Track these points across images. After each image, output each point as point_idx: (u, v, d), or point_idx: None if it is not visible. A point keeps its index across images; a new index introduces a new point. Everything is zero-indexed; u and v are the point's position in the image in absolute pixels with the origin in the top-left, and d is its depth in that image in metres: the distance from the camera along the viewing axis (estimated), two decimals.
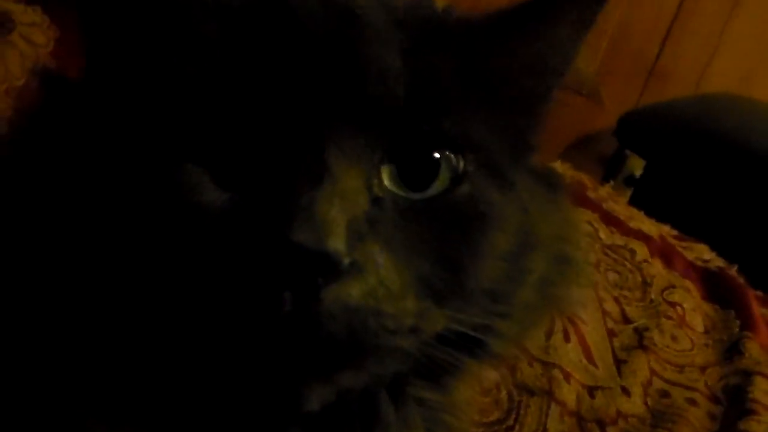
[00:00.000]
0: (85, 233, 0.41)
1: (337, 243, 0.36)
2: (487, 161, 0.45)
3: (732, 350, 1.00)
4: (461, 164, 0.43)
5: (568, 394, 0.87)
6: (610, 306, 1.02)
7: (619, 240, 1.13)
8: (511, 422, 0.81)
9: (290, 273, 0.36)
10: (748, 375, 0.94)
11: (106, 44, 0.45)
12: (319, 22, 0.42)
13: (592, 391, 0.88)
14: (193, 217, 0.39)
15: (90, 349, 0.42)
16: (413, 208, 0.42)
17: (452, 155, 0.43)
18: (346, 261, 0.36)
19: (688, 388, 0.93)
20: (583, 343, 0.93)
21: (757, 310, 1.08)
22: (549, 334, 0.88)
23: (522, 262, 0.47)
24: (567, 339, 0.92)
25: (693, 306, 1.07)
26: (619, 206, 1.24)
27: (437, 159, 0.43)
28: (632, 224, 1.19)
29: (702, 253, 1.21)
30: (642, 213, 1.29)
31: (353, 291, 0.37)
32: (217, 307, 0.37)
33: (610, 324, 0.99)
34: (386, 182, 0.42)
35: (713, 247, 1.25)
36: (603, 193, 1.24)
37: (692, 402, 0.90)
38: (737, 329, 1.03)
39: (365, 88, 0.41)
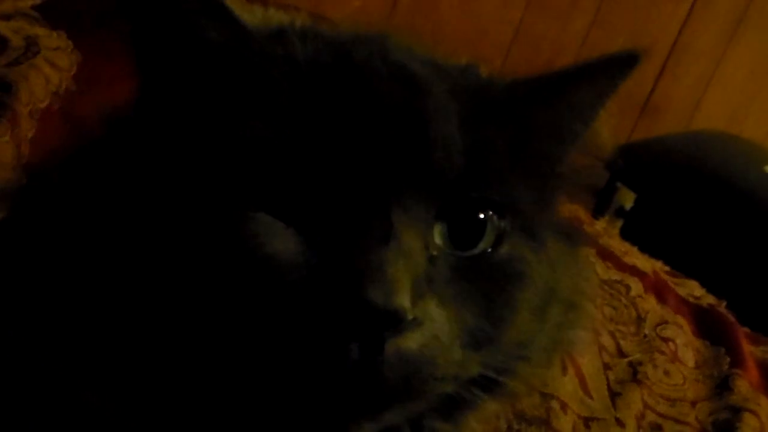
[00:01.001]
0: (140, 273, 0.43)
1: (404, 300, 0.39)
2: (523, 223, 0.48)
3: (722, 386, 1.03)
4: (503, 225, 0.47)
5: (565, 424, 0.89)
6: (606, 340, 1.05)
7: (614, 275, 1.17)
8: None
9: (360, 327, 0.39)
10: (737, 411, 0.97)
11: (174, 94, 0.47)
12: (385, 87, 0.44)
13: (587, 422, 0.91)
14: (260, 266, 0.41)
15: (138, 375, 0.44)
16: (460, 265, 0.45)
17: (496, 217, 0.47)
18: (410, 316, 0.39)
19: (679, 422, 0.96)
20: (580, 375, 0.96)
21: (746, 347, 1.12)
22: None
23: (544, 313, 0.51)
24: (564, 371, 0.95)
25: (685, 341, 1.10)
26: (614, 241, 1.27)
27: (483, 220, 0.46)
28: (627, 260, 1.22)
29: (693, 290, 1.24)
30: (636, 249, 1.32)
31: (412, 343, 0.40)
32: (284, 352, 0.40)
33: (606, 357, 1.02)
34: (437, 240, 0.45)
35: (701, 280, 1.28)
36: (599, 228, 1.28)
37: None
38: (727, 366, 1.07)
39: (430, 156, 0.44)
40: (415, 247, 0.42)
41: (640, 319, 1.10)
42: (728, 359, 1.08)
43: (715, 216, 1.88)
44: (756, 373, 1.07)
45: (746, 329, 1.19)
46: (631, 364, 1.02)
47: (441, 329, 0.42)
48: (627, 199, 2.22)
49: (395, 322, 0.39)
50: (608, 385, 0.98)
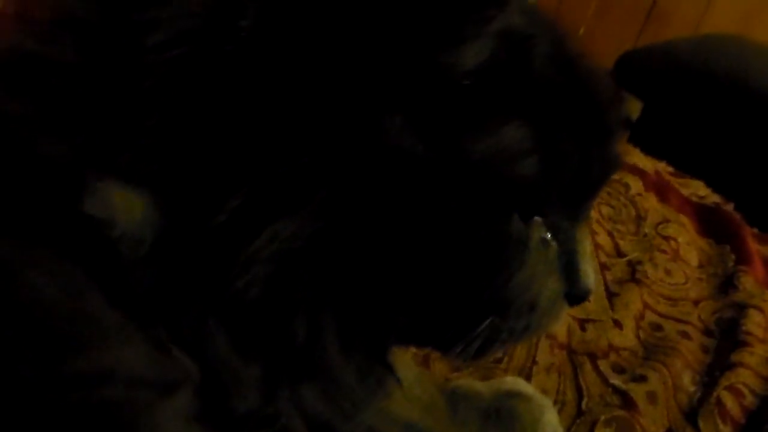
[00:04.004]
0: None
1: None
2: None
3: (726, 284, 0.98)
4: None
5: (559, 327, 0.85)
6: (603, 239, 1.00)
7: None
8: (500, 355, 0.80)
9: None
10: (742, 308, 0.92)
11: None
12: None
13: (583, 324, 0.87)
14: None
15: None
16: None
17: None
18: None
19: (680, 321, 0.91)
20: None
21: (753, 245, 1.07)
22: None
23: None
24: None
25: (688, 240, 1.05)
26: None
27: None
28: (627, 159, 1.17)
29: (698, 190, 1.19)
30: (638, 150, 1.27)
31: None
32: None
33: (603, 257, 0.97)
34: None
35: (712, 186, 1.23)
36: None
37: (685, 335, 0.89)
38: (732, 263, 1.02)
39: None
40: None
41: (639, 218, 1.05)
42: (733, 257, 1.03)
43: (726, 121, 1.81)
44: (762, 270, 1.02)
45: (755, 230, 1.14)
46: (629, 263, 0.97)
47: None
48: (634, 109, 2.16)
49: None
50: (606, 285, 0.94)
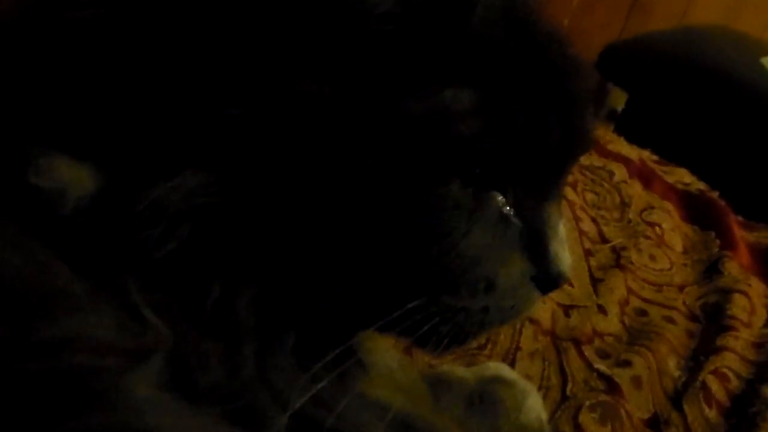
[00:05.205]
0: None
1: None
2: None
3: (711, 270, 0.98)
4: None
5: (543, 313, 0.84)
6: (587, 226, 0.99)
7: (597, 161, 1.10)
8: (483, 341, 0.79)
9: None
10: (726, 293, 0.92)
11: None
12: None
13: (567, 310, 0.86)
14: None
15: None
16: None
17: None
18: None
19: (665, 306, 0.91)
20: None
21: (738, 231, 1.06)
22: None
23: None
24: None
25: (672, 226, 1.04)
26: (599, 131, 1.21)
27: None
28: (611, 147, 1.16)
29: (682, 177, 1.19)
30: (622, 138, 1.26)
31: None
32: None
33: (587, 244, 0.97)
34: None
35: (697, 175, 1.23)
36: None
37: (670, 320, 0.88)
38: (717, 249, 1.01)
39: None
40: None
41: (624, 204, 1.04)
42: (718, 242, 1.02)
43: (711, 111, 1.81)
44: (747, 255, 1.01)
45: (740, 217, 1.14)
46: (614, 249, 0.97)
47: None
48: (619, 101, 2.16)
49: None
50: (590, 271, 0.93)
